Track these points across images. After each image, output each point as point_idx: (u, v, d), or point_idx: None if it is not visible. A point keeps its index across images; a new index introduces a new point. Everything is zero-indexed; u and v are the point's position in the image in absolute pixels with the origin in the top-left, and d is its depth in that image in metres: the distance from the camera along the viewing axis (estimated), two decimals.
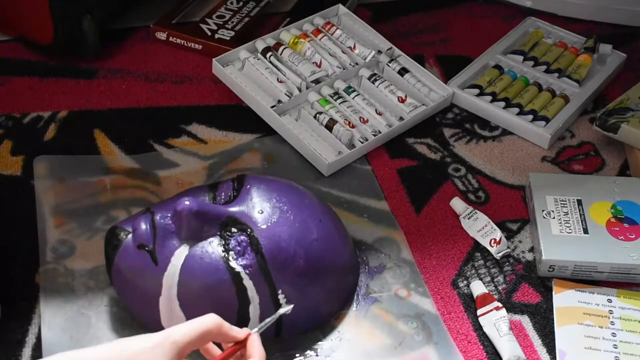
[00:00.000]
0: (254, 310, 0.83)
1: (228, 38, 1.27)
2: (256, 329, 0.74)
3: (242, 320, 0.83)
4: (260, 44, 1.20)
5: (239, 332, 0.71)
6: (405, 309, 0.91)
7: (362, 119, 1.12)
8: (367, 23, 1.27)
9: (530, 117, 1.16)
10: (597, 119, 1.13)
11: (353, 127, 1.11)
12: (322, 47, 1.22)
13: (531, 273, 0.97)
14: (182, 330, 0.65)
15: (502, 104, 1.18)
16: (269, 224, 0.83)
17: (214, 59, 1.16)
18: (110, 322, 0.87)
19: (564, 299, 0.93)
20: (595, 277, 0.95)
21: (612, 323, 0.90)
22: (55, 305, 0.87)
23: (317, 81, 1.16)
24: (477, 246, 1.00)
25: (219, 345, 0.74)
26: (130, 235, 0.85)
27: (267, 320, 0.76)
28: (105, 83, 1.20)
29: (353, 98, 1.15)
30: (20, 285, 0.90)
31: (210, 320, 0.67)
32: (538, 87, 1.22)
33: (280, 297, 0.83)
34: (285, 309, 0.79)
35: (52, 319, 0.86)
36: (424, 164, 1.11)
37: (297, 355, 0.85)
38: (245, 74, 1.17)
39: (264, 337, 0.85)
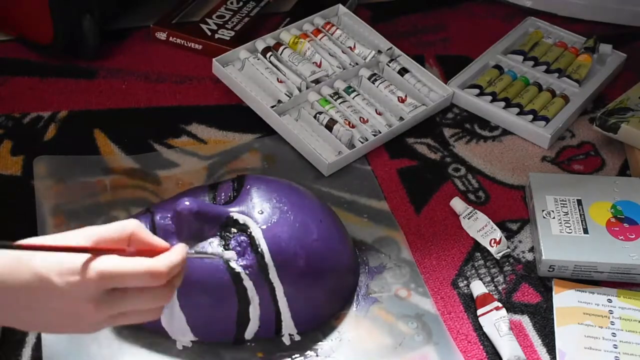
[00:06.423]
0: (254, 310, 0.83)
1: (228, 38, 1.27)
2: (186, 249, 0.67)
3: (242, 321, 0.83)
4: (260, 44, 1.20)
5: (159, 241, 0.67)
6: (405, 309, 0.91)
7: (362, 119, 1.12)
8: (367, 23, 1.27)
9: (530, 117, 1.16)
10: (597, 119, 1.12)
11: (353, 127, 1.11)
12: (322, 47, 1.22)
13: (531, 273, 0.97)
14: (101, 227, 0.66)
15: (502, 104, 1.18)
16: (269, 224, 0.83)
17: (214, 59, 1.16)
18: None
19: (564, 299, 0.93)
20: (595, 277, 0.95)
21: (612, 323, 0.90)
22: None
23: (317, 81, 1.16)
24: (477, 246, 0.99)
25: None
26: None
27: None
28: (105, 83, 1.20)
29: (353, 98, 1.15)
30: None
31: (130, 221, 0.67)
32: (538, 87, 1.22)
33: (280, 297, 0.83)
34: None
35: None
36: (424, 164, 1.11)
37: (297, 355, 0.85)
38: (245, 74, 1.17)
39: (265, 337, 0.86)
